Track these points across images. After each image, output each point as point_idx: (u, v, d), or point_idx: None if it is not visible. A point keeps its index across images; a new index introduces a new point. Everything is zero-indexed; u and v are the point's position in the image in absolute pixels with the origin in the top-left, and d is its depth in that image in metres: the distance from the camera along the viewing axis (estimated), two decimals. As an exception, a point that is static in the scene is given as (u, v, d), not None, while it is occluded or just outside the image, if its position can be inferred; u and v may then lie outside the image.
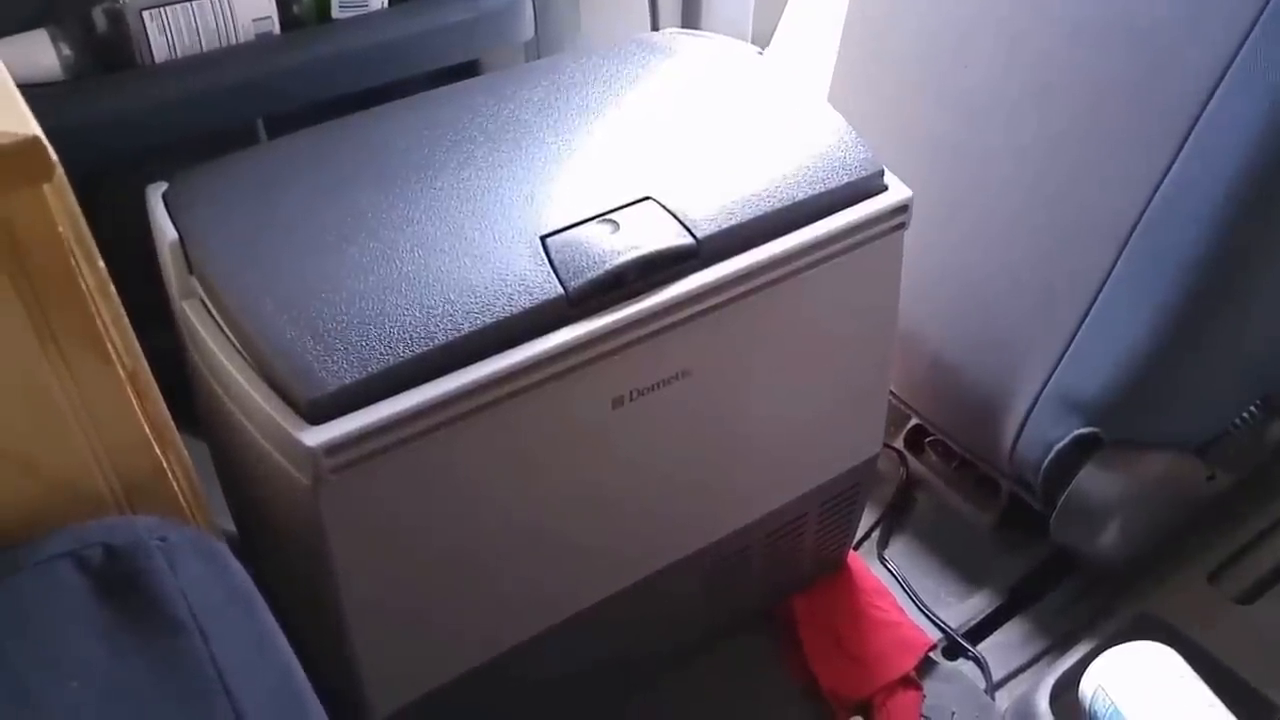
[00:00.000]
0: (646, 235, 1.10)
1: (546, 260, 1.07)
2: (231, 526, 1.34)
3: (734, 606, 1.53)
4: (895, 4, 1.61)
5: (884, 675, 1.52)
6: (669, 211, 1.13)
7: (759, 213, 1.15)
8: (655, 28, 1.90)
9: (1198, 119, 1.30)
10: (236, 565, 0.88)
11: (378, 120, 1.25)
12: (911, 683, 1.52)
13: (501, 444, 1.08)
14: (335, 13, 1.43)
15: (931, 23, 1.56)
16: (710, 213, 1.14)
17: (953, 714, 1.50)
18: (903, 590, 1.65)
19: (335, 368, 0.98)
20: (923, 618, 1.62)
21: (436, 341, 1.01)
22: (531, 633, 1.26)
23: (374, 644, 1.13)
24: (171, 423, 0.97)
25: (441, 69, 1.49)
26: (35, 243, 0.80)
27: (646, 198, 1.14)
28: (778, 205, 1.16)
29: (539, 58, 1.62)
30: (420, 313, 1.01)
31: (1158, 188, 1.33)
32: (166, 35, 1.32)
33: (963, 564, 1.69)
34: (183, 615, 0.80)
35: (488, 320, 1.02)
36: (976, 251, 1.53)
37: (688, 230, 1.12)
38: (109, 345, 0.87)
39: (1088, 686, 1.41)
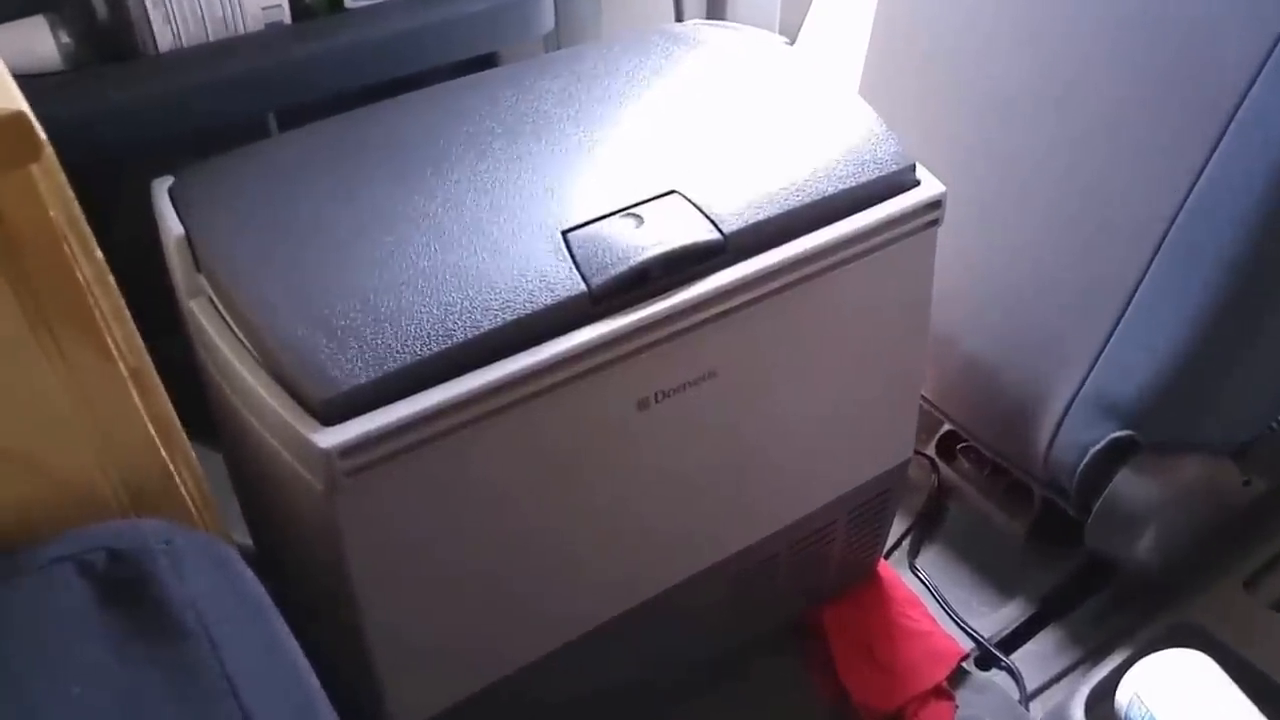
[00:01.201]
0: (672, 230, 1.08)
1: (569, 256, 1.05)
2: (248, 541, 1.32)
3: (762, 617, 1.51)
4: (924, 1, 1.59)
5: (916, 686, 1.50)
6: (695, 206, 1.11)
7: (788, 208, 1.13)
8: (679, 19, 1.88)
9: (1233, 116, 1.29)
10: (247, 571, 0.86)
11: (392, 112, 1.23)
12: (944, 693, 1.51)
13: (523, 447, 1.06)
14: (348, 2, 1.41)
15: (960, 20, 1.54)
16: (738, 208, 1.12)
17: (986, 725, 1.48)
18: (934, 599, 1.63)
19: (349, 366, 0.96)
20: (955, 627, 1.60)
21: (455, 339, 0.99)
22: (555, 646, 1.24)
23: (393, 656, 1.11)
24: (179, 425, 0.95)
25: (459, 62, 1.47)
26: (25, 228, 0.78)
27: (672, 191, 1.12)
28: (807, 200, 1.14)
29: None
30: (438, 309, 1.00)
31: (1193, 186, 1.32)
32: (171, 24, 1.30)
33: (995, 573, 1.68)
34: (190, 622, 0.78)
35: (508, 318, 1.01)
36: (1008, 252, 1.52)
37: (715, 225, 1.10)
38: (109, 339, 0.85)
39: (1123, 695, 1.40)
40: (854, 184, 1.17)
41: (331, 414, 0.95)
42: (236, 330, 1.03)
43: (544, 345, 1.02)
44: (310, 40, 1.38)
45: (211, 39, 1.34)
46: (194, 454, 0.98)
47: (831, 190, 1.15)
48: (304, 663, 0.81)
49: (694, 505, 1.25)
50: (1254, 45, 1.26)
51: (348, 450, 0.94)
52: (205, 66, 1.33)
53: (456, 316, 1.00)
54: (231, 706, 0.74)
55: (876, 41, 1.68)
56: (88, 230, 0.84)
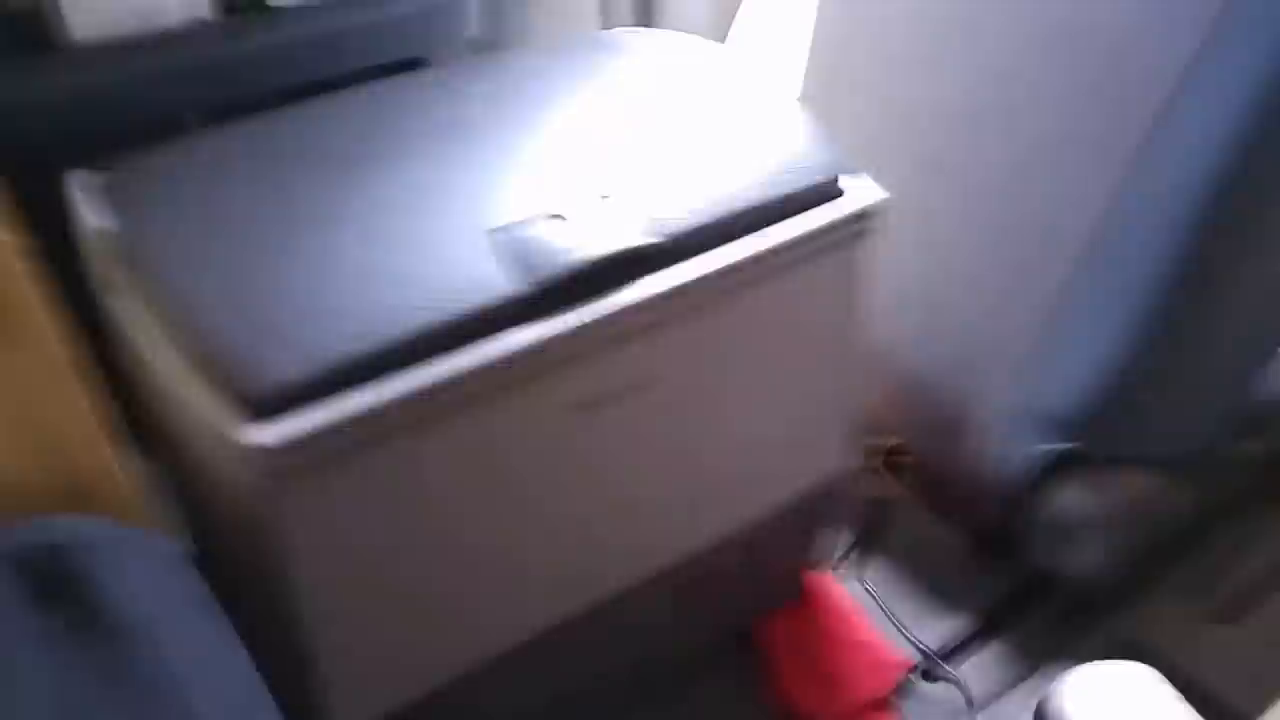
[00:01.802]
0: (606, 233, 1.07)
1: (500, 256, 1.04)
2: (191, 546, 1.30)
3: (705, 626, 1.50)
4: (862, 12, 1.59)
5: (860, 696, 1.50)
6: (630, 209, 1.10)
7: (725, 212, 1.13)
8: (607, 26, 1.88)
9: (1157, 124, 1.29)
10: (190, 568, 0.84)
11: (319, 112, 1.22)
12: (888, 705, 1.50)
13: (457, 449, 1.04)
14: (273, 0, 1.39)
15: (899, 31, 1.55)
16: (673, 212, 1.11)
17: (931, 737, 1.48)
18: (879, 611, 1.63)
19: (280, 363, 0.94)
20: (900, 639, 1.59)
21: (388, 338, 0.97)
22: (496, 652, 1.22)
23: (334, 661, 1.09)
24: (115, 419, 0.93)
25: (384, 65, 1.45)
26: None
27: (606, 194, 1.11)
28: (745, 205, 1.14)
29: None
30: (371, 307, 0.98)
31: (1122, 194, 1.33)
32: (90, 16, 1.27)
33: (940, 585, 1.67)
34: (131, 619, 0.76)
35: (441, 318, 0.99)
36: (946, 263, 1.52)
37: (650, 229, 1.09)
38: (47, 335, 0.82)
39: (1068, 707, 1.38)
40: (793, 189, 1.16)
41: (262, 411, 0.93)
42: (166, 327, 1.01)
43: (476, 346, 1.01)
44: (232, 38, 1.37)
45: (130, 32, 1.32)
46: (133, 456, 0.96)
47: (770, 195, 1.15)
48: (248, 662, 0.79)
49: (634, 512, 1.24)
50: (1176, 54, 1.27)
51: (278, 447, 0.93)
52: (123, 60, 1.31)
53: (391, 314, 0.98)
54: (173, 705, 0.72)
55: (815, 48, 1.68)
56: (17, 224, 0.82)
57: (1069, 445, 1.42)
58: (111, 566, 0.80)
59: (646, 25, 1.91)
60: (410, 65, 1.49)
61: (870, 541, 1.73)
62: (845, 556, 1.70)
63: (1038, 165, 1.40)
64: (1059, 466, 1.44)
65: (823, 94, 1.66)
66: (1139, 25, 1.30)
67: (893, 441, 1.76)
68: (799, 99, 1.37)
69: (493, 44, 1.61)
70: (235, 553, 1.09)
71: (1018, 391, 1.45)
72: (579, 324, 1.04)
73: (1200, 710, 1.34)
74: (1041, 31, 1.38)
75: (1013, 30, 1.41)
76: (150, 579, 0.81)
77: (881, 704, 1.49)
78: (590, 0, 1.86)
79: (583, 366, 1.07)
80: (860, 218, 1.19)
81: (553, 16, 1.78)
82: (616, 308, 1.06)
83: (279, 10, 1.39)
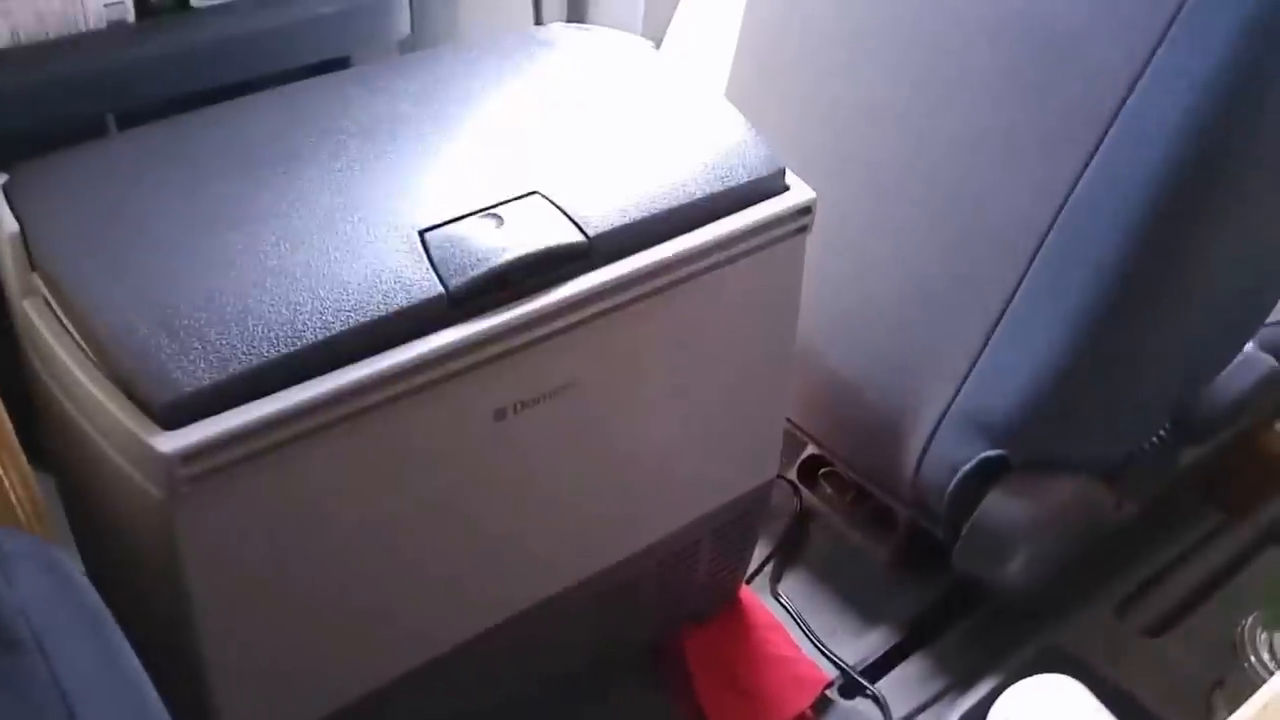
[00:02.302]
0: (534, 232, 1.06)
1: (425, 256, 1.03)
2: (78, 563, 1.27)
3: (622, 640, 1.49)
4: (791, 7, 1.59)
5: (779, 713, 1.48)
6: (558, 208, 1.09)
7: (654, 211, 1.12)
8: (539, 23, 1.86)
9: (1110, 125, 1.30)
10: (82, 579, 0.82)
11: (240, 110, 1.20)
12: (807, 722, 1.48)
13: (375, 456, 1.03)
14: (194, 1, 1.37)
15: (830, 23, 1.54)
16: (602, 210, 1.10)
17: (851, 755, 1.47)
18: (797, 626, 1.62)
19: (191, 368, 0.92)
20: (818, 654, 1.58)
21: (304, 341, 0.96)
22: (406, 668, 1.20)
23: (232, 679, 1.07)
24: (10, 429, 0.91)
25: (310, 65, 1.43)
26: None
27: (534, 193, 1.10)
28: (674, 203, 1.13)
29: (414, 55, 1.57)
30: (287, 310, 0.96)
31: (1069, 195, 1.32)
32: (8, 17, 1.25)
33: (859, 599, 1.66)
34: (20, 630, 0.74)
35: (361, 319, 0.98)
36: (876, 263, 1.51)
37: (578, 228, 1.08)
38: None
39: (994, 724, 1.39)
40: (722, 188, 1.15)
41: (172, 418, 0.91)
42: (72, 331, 0.99)
43: (398, 349, 0.99)
44: (154, 39, 1.35)
45: (51, 35, 1.30)
46: (23, 459, 0.93)
47: (699, 194, 1.14)
48: (144, 677, 0.77)
49: (553, 523, 1.23)
50: (1131, 53, 1.27)
51: (189, 455, 0.91)
52: (42, 63, 1.28)
53: (306, 317, 0.96)
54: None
55: (744, 45, 1.67)
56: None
57: (998, 451, 1.41)
58: (5, 578, 0.77)
59: (579, 22, 1.90)
60: (337, 65, 1.46)
61: (787, 554, 1.72)
62: (761, 569, 1.69)
63: (981, 167, 1.40)
64: (987, 473, 1.43)
65: (748, 91, 1.65)
66: (1094, 24, 1.30)
67: (810, 450, 1.75)
68: (726, 94, 1.37)
69: (422, 44, 1.59)
70: (132, 567, 1.07)
71: (949, 397, 1.44)
72: (505, 325, 1.03)
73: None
74: (984, 27, 1.38)
75: (953, 26, 1.41)
76: (42, 588, 0.78)
77: (800, 720, 1.48)
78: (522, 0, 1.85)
79: (506, 369, 1.06)
80: (796, 215, 1.19)
81: (484, 14, 1.77)
82: (545, 308, 1.05)
83: (201, 11, 1.37)
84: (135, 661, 0.78)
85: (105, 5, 1.31)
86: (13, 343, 1.10)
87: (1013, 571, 1.46)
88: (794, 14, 1.59)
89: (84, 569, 1.22)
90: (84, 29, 1.32)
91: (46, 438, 1.14)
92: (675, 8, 2.00)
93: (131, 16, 1.34)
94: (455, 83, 1.24)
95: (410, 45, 1.57)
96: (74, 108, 1.31)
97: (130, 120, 1.30)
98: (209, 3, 1.37)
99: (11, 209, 1.05)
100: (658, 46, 1.89)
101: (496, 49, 1.31)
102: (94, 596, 0.81)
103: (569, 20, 1.90)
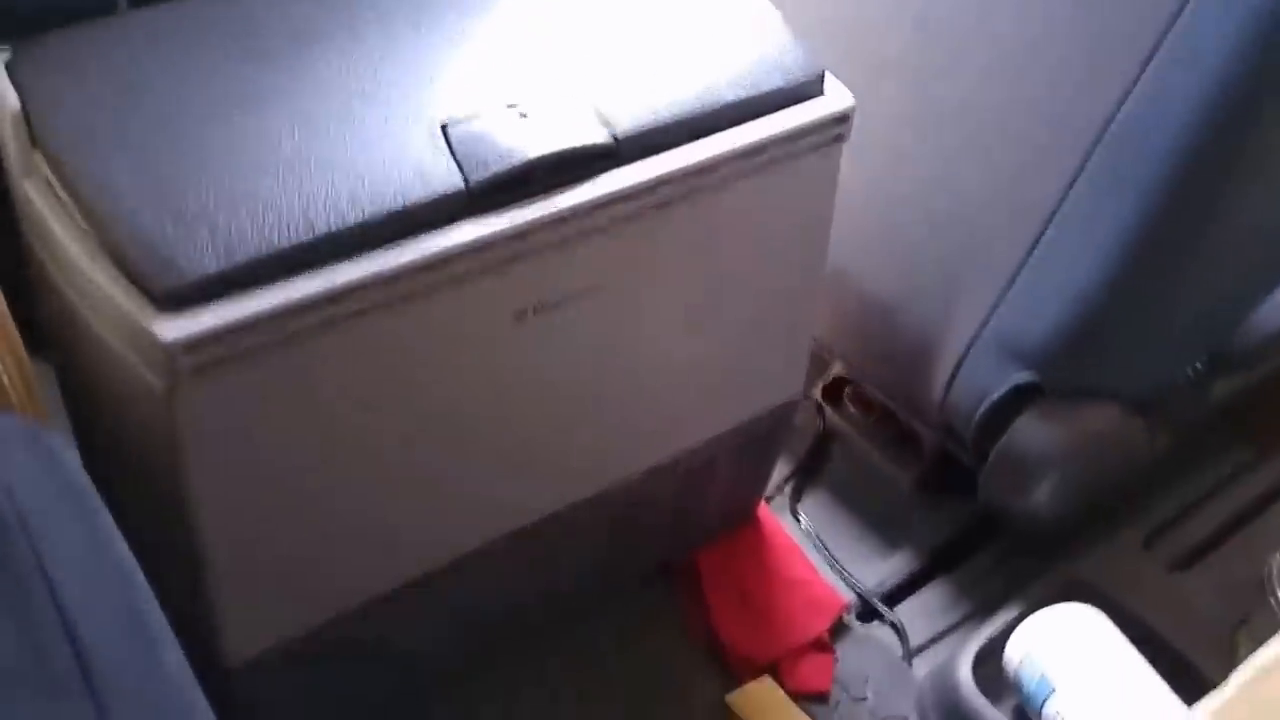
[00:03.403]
0: (560, 130, 1.03)
1: (447, 148, 0.99)
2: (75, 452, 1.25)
3: (635, 555, 1.47)
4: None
5: (794, 637, 1.47)
6: (586, 104, 1.06)
7: (685, 112, 1.08)
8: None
9: (1161, 40, 1.26)
10: (72, 459, 0.80)
11: (257, -7, 1.16)
12: (823, 646, 1.47)
13: (387, 353, 1.00)
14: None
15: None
16: (631, 109, 1.07)
17: (866, 680, 1.46)
18: (816, 548, 1.59)
19: (198, 254, 0.89)
20: (836, 578, 1.56)
21: (317, 230, 0.93)
22: (408, 577, 1.18)
23: (231, 577, 1.05)
24: (4, 308, 0.88)
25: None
26: None
27: (561, 88, 1.07)
28: (706, 105, 1.10)
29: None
30: (299, 198, 0.93)
31: (1115, 114, 1.29)
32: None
33: (881, 523, 1.64)
34: (2, 508, 0.71)
35: (377, 210, 0.95)
36: (912, 180, 1.48)
37: (606, 126, 1.05)
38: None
39: (1013, 652, 1.37)
40: (757, 90, 1.12)
41: (175, 304, 0.89)
42: (74, 213, 0.96)
43: (414, 242, 0.96)
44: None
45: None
46: (19, 341, 0.91)
47: (733, 96, 1.11)
48: (133, 562, 0.74)
49: (569, 431, 1.20)
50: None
51: (191, 344, 0.88)
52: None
53: (319, 206, 0.93)
54: (47, 604, 0.67)
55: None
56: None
57: (1030, 376, 1.39)
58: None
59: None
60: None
61: (809, 475, 1.70)
62: (781, 490, 1.67)
63: (1026, 80, 1.36)
64: (1018, 398, 1.41)
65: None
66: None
67: (838, 370, 1.73)
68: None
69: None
70: (131, 458, 1.05)
71: (982, 320, 1.41)
72: (526, 223, 1.00)
73: (1150, 658, 1.33)
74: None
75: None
76: (27, 466, 0.76)
77: (816, 645, 1.47)
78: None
79: (526, 269, 1.03)
80: (832, 122, 1.16)
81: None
82: (568, 207, 1.02)
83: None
84: (124, 545, 0.75)
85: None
86: (11, 224, 1.07)
87: (1039, 500, 1.44)
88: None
89: (80, 457, 1.21)
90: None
91: (46, 324, 1.11)
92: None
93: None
94: (483, -28, 1.20)
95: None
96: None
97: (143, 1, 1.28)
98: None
99: (14, 84, 1.02)
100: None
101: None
102: (84, 478, 0.79)
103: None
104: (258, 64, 1.05)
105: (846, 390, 1.74)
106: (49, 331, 1.12)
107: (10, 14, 1.14)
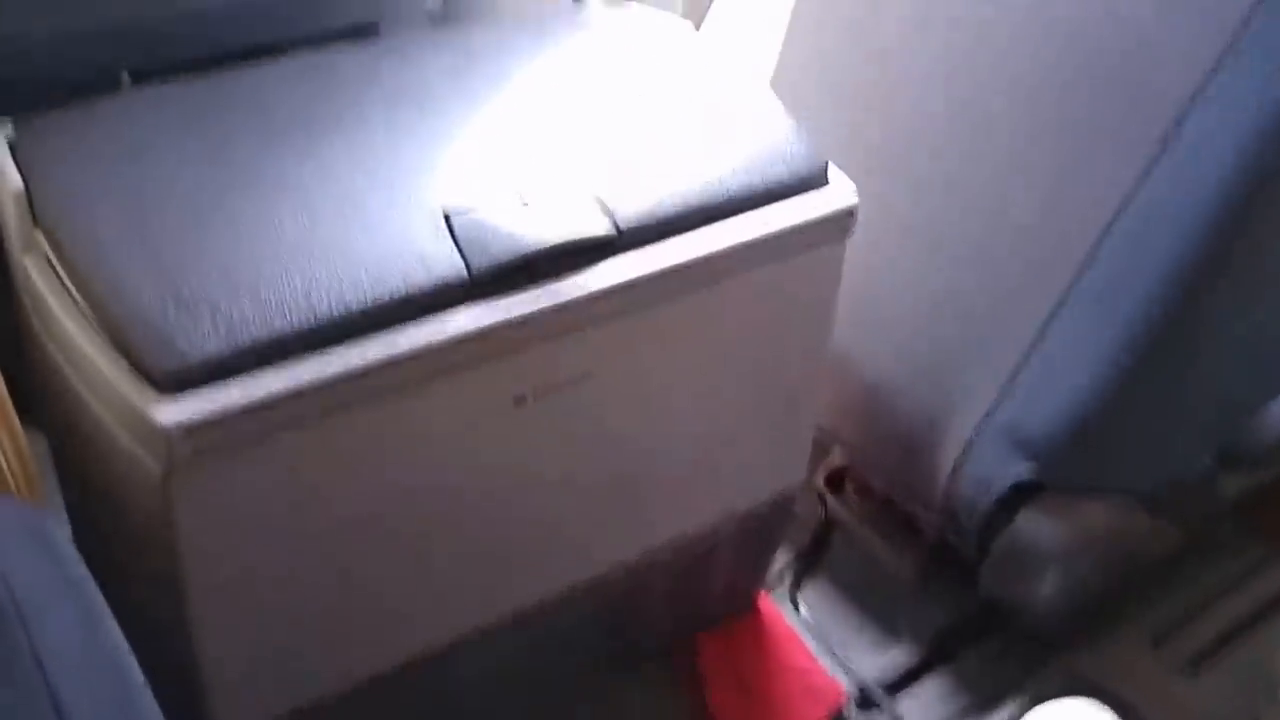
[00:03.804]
0: (563, 218, 1.04)
1: (450, 235, 1.01)
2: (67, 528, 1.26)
3: (633, 643, 1.47)
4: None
5: (793, 726, 1.46)
6: (590, 194, 1.07)
7: (688, 203, 1.10)
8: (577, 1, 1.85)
9: (1164, 145, 1.28)
10: (70, 549, 0.80)
11: (262, 75, 1.17)
12: (822, 736, 1.46)
13: (386, 438, 1.01)
14: (220, -41, 1.35)
15: (884, 19, 1.52)
16: (635, 199, 1.08)
17: (864, 773, 1.45)
18: (816, 637, 1.59)
19: (198, 337, 0.91)
20: (836, 667, 1.56)
21: (319, 315, 0.94)
22: (406, 658, 1.18)
23: (223, 659, 1.05)
24: (2, 388, 0.89)
25: (338, 30, 1.42)
26: None
27: (565, 177, 1.08)
28: (711, 196, 1.11)
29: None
30: (302, 282, 0.95)
31: (1118, 213, 1.30)
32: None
33: (881, 613, 1.64)
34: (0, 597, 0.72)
35: (380, 296, 0.96)
36: (918, 270, 1.48)
37: (609, 216, 1.06)
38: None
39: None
40: (761, 183, 1.13)
41: (175, 387, 0.90)
42: (74, 292, 0.97)
43: (416, 328, 0.97)
44: (176, -1, 1.33)
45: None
46: (18, 423, 0.91)
47: (737, 187, 1.12)
48: (126, 650, 0.75)
49: (567, 516, 1.21)
50: (1190, 72, 1.26)
51: (190, 428, 0.89)
52: (54, 13, 1.27)
53: (322, 290, 0.95)
54: (40, 693, 0.68)
55: (793, 35, 1.65)
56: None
57: (1033, 471, 1.39)
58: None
59: (618, 1, 1.88)
60: (365, 31, 1.45)
61: (810, 563, 1.70)
62: (782, 577, 1.67)
63: (1033, 175, 1.37)
64: (1020, 492, 1.40)
65: (795, 81, 1.63)
66: (1158, 27, 1.28)
67: (839, 458, 1.73)
68: (771, 85, 1.35)
69: (454, 15, 1.58)
70: (125, 537, 1.05)
71: (986, 412, 1.41)
72: (527, 310, 1.01)
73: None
74: (1045, 33, 1.37)
75: (1012, 29, 1.39)
76: (23, 553, 0.77)
77: (815, 734, 1.46)
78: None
79: (527, 355, 1.04)
80: (837, 215, 1.16)
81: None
82: (570, 296, 1.03)
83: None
84: (118, 633, 0.76)
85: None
86: (9, 299, 1.08)
87: (1043, 596, 1.44)
88: (846, 9, 1.57)
89: (71, 530, 1.21)
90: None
91: (41, 396, 1.12)
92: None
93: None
94: (488, 58, 1.22)
95: (442, 16, 1.55)
96: (88, 61, 1.30)
97: (146, 78, 1.29)
98: (237, -39, 1.36)
99: (16, 161, 1.04)
100: (698, 28, 1.87)
101: (531, 25, 1.29)
102: (80, 567, 0.80)
103: (607, -1, 1.89)
104: (262, 146, 1.06)
105: (848, 478, 1.74)
106: (44, 403, 1.13)
107: (14, 90, 1.16)
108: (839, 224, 1.17)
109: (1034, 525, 1.40)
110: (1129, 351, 1.32)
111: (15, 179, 1.02)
